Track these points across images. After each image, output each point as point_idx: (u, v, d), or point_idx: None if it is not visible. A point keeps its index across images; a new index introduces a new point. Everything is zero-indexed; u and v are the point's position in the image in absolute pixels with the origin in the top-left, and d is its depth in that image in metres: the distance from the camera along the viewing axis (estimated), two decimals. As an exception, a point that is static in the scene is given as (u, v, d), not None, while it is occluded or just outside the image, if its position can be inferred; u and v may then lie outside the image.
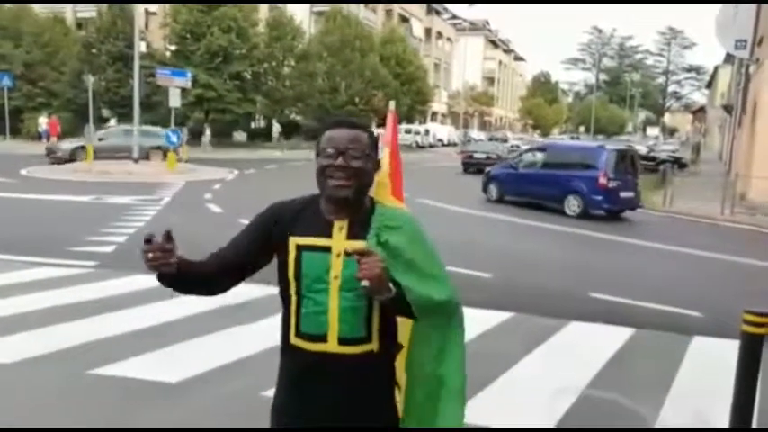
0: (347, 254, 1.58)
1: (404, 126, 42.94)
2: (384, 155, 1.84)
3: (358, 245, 1.58)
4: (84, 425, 3.43)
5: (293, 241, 1.66)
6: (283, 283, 1.70)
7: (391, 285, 1.56)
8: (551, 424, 3.68)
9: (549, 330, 5.42)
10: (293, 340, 1.68)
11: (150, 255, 1.59)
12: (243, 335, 4.76)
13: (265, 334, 4.42)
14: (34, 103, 30.60)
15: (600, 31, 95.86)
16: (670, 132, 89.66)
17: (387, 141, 1.94)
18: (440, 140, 46.92)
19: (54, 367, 4.18)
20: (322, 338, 1.63)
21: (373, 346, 1.66)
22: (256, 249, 1.74)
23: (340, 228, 1.65)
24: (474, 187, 16.92)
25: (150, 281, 6.43)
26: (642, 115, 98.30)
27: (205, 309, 5.29)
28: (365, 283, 1.53)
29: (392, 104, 1.93)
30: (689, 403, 4.09)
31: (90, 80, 26.57)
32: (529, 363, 4.67)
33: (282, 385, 1.75)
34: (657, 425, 3.78)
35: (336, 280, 1.62)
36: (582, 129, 75.52)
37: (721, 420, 3.46)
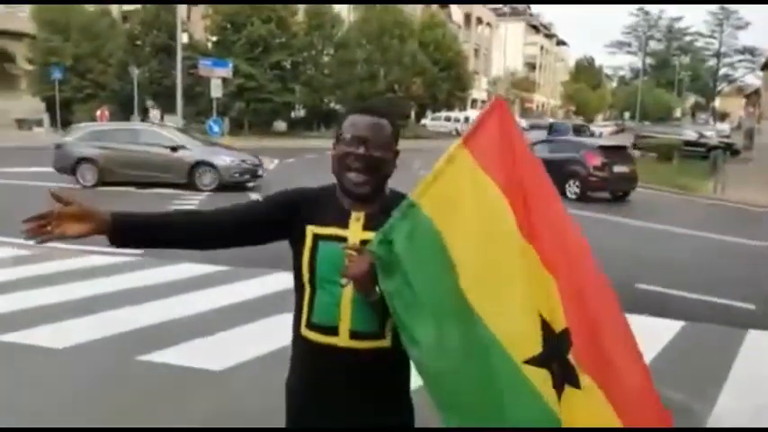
0: (342, 246, 1.54)
1: (443, 113, 42.57)
2: (448, 150, 1.52)
3: (373, 237, 1.52)
4: (128, 411, 3.51)
5: (310, 230, 1.61)
6: (297, 271, 1.65)
7: (377, 289, 1.49)
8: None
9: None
10: (304, 331, 1.64)
11: (26, 227, 1.48)
12: (286, 323, 4.77)
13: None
14: (83, 95, 31.49)
15: (646, 12, 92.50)
16: (721, 117, 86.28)
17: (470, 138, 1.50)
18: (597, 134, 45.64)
19: (102, 353, 4.29)
20: (333, 331, 1.58)
21: (386, 342, 1.58)
22: (268, 223, 1.67)
23: (357, 218, 1.60)
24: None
25: (197, 269, 6.53)
26: (691, 100, 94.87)
27: (250, 297, 5.36)
28: (344, 281, 1.50)
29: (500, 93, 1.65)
30: (745, 399, 3.92)
31: (135, 72, 27.19)
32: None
33: (294, 376, 1.71)
34: (711, 422, 3.64)
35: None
36: (627, 115, 73.44)
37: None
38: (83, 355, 4.26)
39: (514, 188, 1.47)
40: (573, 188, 13.75)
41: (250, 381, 3.92)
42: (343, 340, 1.57)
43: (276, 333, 4.61)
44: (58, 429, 3.27)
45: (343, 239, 1.58)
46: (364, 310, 1.56)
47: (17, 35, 32.29)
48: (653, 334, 5.11)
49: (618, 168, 13.99)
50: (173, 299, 5.47)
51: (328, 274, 1.58)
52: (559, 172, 12.72)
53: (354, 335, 1.57)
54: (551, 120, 50.43)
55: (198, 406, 3.58)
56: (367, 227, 1.58)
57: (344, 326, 1.57)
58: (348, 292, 1.56)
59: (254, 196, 12.16)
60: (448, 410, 1.44)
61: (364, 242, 1.54)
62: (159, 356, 4.22)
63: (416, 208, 1.49)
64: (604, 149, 14.58)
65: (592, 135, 32.03)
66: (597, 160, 13.76)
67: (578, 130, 30.82)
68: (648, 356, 4.73)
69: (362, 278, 1.49)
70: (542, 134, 27.31)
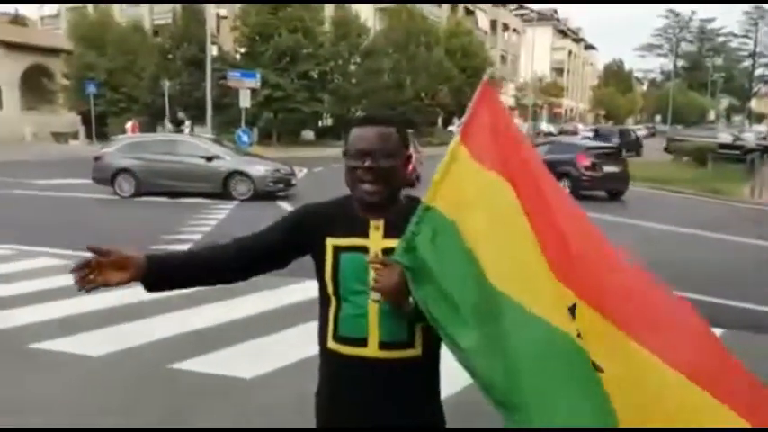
0: (368, 260, 1.53)
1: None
2: (451, 145, 1.52)
3: (395, 245, 1.50)
4: (161, 418, 3.56)
5: (330, 242, 1.60)
6: (321, 284, 1.64)
7: (411, 300, 1.46)
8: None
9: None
10: (330, 344, 1.61)
11: (77, 276, 1.55)
12: (314, 331, 4.78)
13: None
14: (116, 108, 32.31)
15: (677, 14, 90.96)
16: (757, 119, 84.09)
17: (465, 126, 1.50)
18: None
19: (134, 361, 4.37)
20: (361, 342, 1.55)
21: (417, 351, 1.56)
22: (283, 247, 1.68)
23: (376, 227, 1.58)
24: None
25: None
26: (725, 102, 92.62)
27: (279, 305, 5.39)
28: (376, 296, 1.48)
29: (489, 72, 1.71)
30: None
31: (166, 85, 27.78)
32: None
33: (322, 390, 1.69)
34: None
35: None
36: (658, 118, 72.10)
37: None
38: (116, 363, 4.34)
39: (511, 168, 1.47)
40: (565, 187, 14.16)
41: (280, 388, 3.94)
42: (372, 351, 1.55)
43: (305, 341, 4.63)
44: (64, 430, 3.33)
45: (365, 249, 1.56)
46: (393, 320, 1.53)
47: (55, 51, 33.39)
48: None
49: (608, 168, 14.74)
50: (202, 308, 5.54)
51: (353, 285, 1.56)
52: (554, 172, 13.21)
53: (384, 345, 1.54)
54: (579, 125, 49.81)
55: (227, 413, 3.61)
56: (387, 235, 1.56)
57: (373, 337, 1.55)
58: (375, 302, 1.54)
59: (286, 205, 12.28)
60: (513, 411, 1.35)
61: (386, 250, 1.53)
62: (190, 364, 4.27)
63: (432, 210, 1.48)
64: (595, 151, 15.41)
65: (637, 138, 34.25)
66: (587, 161, 14.58)
67: (623, 134, 33.18)
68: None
69: (395, 290, 1.46)
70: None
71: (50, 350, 4.51)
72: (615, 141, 31.60)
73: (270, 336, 4.83)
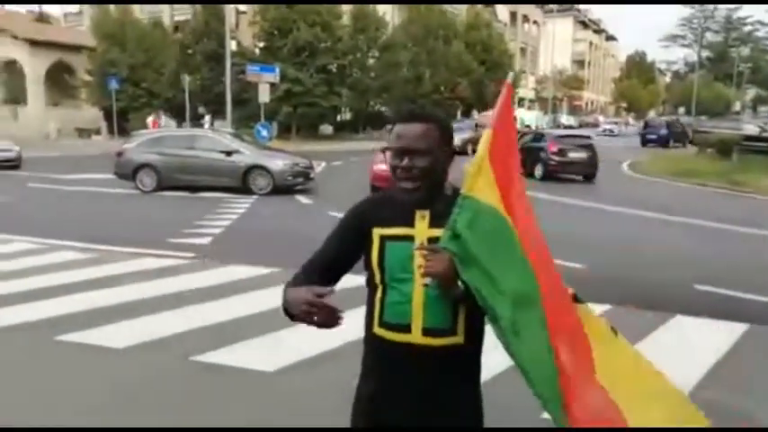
0: (416, 248, 1.58)
1: (489, 113, 42.11)
2: (483, 139, 1.59)
3: (440, 234, 1.56)
4: (183, 411, 3.60)
5: (377, 232, 1.66)
6: (369, 272, 1.70)
7: (459, 283, 1.53)
8: (656, 425, 3.44)
9: (650, 325, 5.10)
10: (376, 330, 1.67)
11: (316, 313, 1.58)
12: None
13: (360, 323, 4.45)
14: (137, 104, 32.66)
15: (702, 3, 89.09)
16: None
17: (491, 122, 1.61)
18: (527, 126, 45.78)
19: (158, 354, 4.42)
20: (406, 329, 1.60)
21: (459, 338, 1.61)
22: (350, 248, 1.74)
23: (422, 216, 1.63)
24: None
25: (247, 271, 6.65)
26: (752, 92, 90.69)
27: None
28: (428, 280, 1.53)
29: (510, 76, 1.75)
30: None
31: (186, 80, 28.01)
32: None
33: (365, 377, 1.74)
34: (779, 431, 3.45)
35: (420, 269, 1.58)
36: (681, 110, 70.83)
37: None
38: (139, 355, 4.40)
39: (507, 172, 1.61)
40: (539, 170, 16.46)
41: (302, 381, 3.96)
42: (415, 337, 1.59)
43: (328, 334, 4.64)
44: (71, 430, 3.38)
45: (410, 238, 1.62)
46: (436, 308, 1.58)
47: (78, 48, 33.82)
48: (714, 337, 4.90)
49: (575, 155, 16.65)
50: (225, 300, 5.59)
51: (398, 273, 1.62)
52: (531, 157, 16.12)
53: (427, 332, 1.59)
54: (600, 117, 49.26)
55: (250, 406, 3.64)
56: (433, 224, 1.61)
57: (417, 323, 1.59)
58: (419, 289, 1.58)
59: (305, 199, 12.33)
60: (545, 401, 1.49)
61: (432, 239, 1.59)
62: (212, 357, 4.31)
63: (470, 199, 1.55)
64: (564, 138, 17.74)
65: (683, 129, 35.06)
66: (555, 147, 16.52)
67: (670, 125, 34.55)
68: (710, 361, 4.57)
69: (445, 274, 1.52)
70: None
71: (77, 342, 4.58)
72: (663, 132, 33.65)
73: (291, 329, 4.85)
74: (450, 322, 1.60)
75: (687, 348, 4.67)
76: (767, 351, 4.75)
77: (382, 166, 12.09)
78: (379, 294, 1.66)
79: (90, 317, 5.09)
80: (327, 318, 1.57)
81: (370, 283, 1.70)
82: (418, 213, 1.63)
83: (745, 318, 5.34)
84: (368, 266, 1.69)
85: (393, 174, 1.65)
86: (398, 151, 1.62)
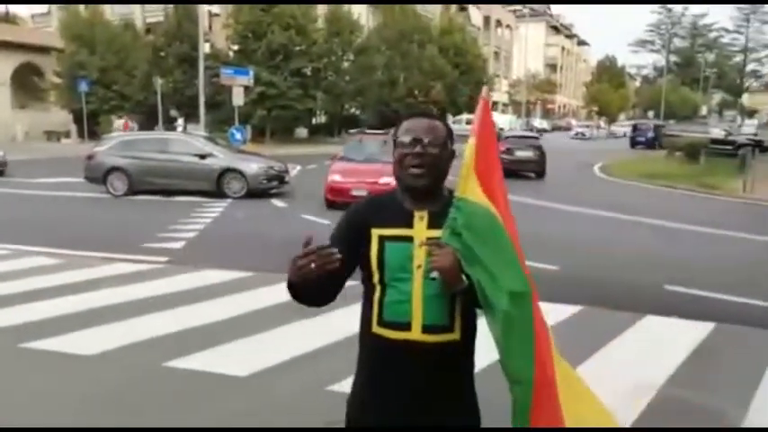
0: (421, 244, 1.63)
1: (464, 116, 42.44)
2: (468, 146, 1.68)
3: (438, 235, 1.62)
4: (157, 416, 3.55)
5: (375, 233, 1.69)
6: (366, 272, 1.72)
7: (464, 277, 1.58)
8: (626, 424, 3.51)
9: (621, 325, 5.20)
10: (375, 329, 1.69)
11: (312, 259, 1.51)
12: (311, 328, 4.78)
13: (333, 327, 4.45)
14: (108, 106, 32.09)
15: (670, 9, 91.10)
16: (749, 114, 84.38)
17: (474, 131, 1.70)
18: (501, 129, 46.24)
19: (131, 360, 4.35)
20: (405, 327, 1.64)
21: (456, 335, 1.66)
22: (354, 248, 1.71)
23: (421, 217, 1.68)
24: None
25: (221, 275, 6.59)
26: (717, 97, 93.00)
27: (274, 302, 5.38)
28: (435, 274, 1.59)
29: (485, 90, 1.84)
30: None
31: (158, 82, 27.63)
32: (600, 360, 4.48)
33: (362, 376, 1.76)
34: (745, 425, 3.54)
35: (420, 269, 1.64)
36: (651, 114, 72.30)
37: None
38: (111, 361, 4.32)
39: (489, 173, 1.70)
40: None
41: (276, 386, 3.93)
42: (415, 335, 1.63)
43: (300, 339, 4.64)
44: (65, 429, 3.32)
45: (409, 239, 1.66)
46: (435, 305, 1.63)
47: (46, 49, 33.11)
48: (683, 336, 5.01)
49: (520, 153, 18.28)
50: (196, 306, 5.53)
51: (397, 273, 1.65)
52: None
53: (426, 329, 1.63)
54: (572, 120, 50.20)
55: (223, 411, 3.60)
56: (431, 225, 1.66)
57: (417, 321, 1.63)
58: (418, 288, 1.63)
59: (279, 203, 12.25)
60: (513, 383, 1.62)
61: (430, 239, 1.63)
62: (185, 362, 4.26)
63: (465, 201, 1.64)
64: (513, 139, 19.57)
65: (653, 129, 37.75)
66: (504, 147, 17.76)
67: (657, 129, 37.03)
68: (679, 359, 4.66)
69: (452, 269, 1.57)
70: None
71: (45, 350, 4.48)
72: (650, 135, 35.93)
73: (264, 333, 4.82)
74: (448, 319, 1.64)
75: (657, 348, 4.77)
76: (734, 349, 4.88)
77: (337, 177, 11.14)
78: (377, 294, 1.69)
79: (58, 324, 4.98)
80: (324, 259, 1.51)
81: (368, 283, 1.72)
82: (417, 214, 1.68)
83: (713, 317, 5.47)
84: (365, 266, 1.71)
85: (401, 164, 1.68)
86: (411, 140, 1.67)
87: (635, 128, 39.65)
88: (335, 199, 10.77)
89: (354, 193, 10.27)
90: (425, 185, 1.68)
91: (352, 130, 28.91)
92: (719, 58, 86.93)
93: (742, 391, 3.97)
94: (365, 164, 11.82)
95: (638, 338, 4.97)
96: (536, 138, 20.74)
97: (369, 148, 13.05)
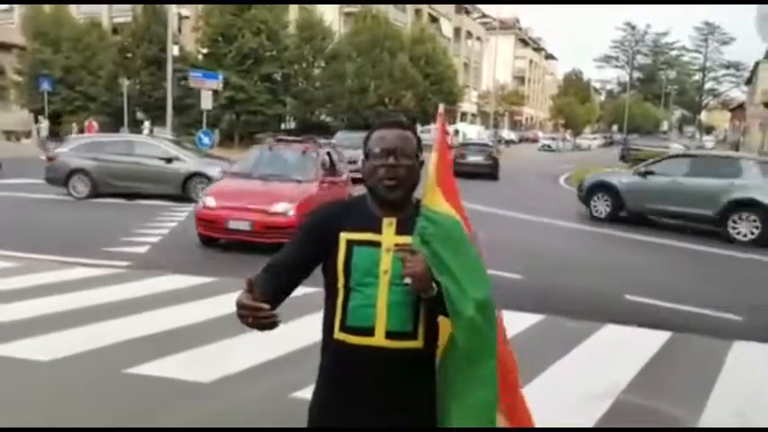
0: (395, 250, 1.65)
1: (433, 126, 42.78)
2: (431, 159, 1.74)
3: (408, 241, 1.64)
4: (116, 424, 3.48)
5: (344, 236, 1.69)
6: (331, 276, 1.71)
7: (434, 284, 1.59)
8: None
9: (583, 333, 5.31)
10: (337, 335, 1.68)
11: (250, 319, 1.57)
12: (274, 335, 4.73)
13: (296, 334, 4.42)
14: (72, 107, 31.36)
15: (633, 27, 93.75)
16: (707, 130, 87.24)
17: (434, 146, 1.77)
18: (470, 139, 46.78)
19: (89, 366, 4.25)
20: (369, 332, 1.64)
21: (419, 343, 1.66)
22: (313, 252, 1.74)
23: (389, 224, 1.69)
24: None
25: (185, 280, 6.48)
26: (678, 113, 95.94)
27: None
28: (408, 280, 1.60)
29: (441, 107, 1.90)
30: (731, 409, 3.94)
31: (125, 84, 27.11)
32: (562, 367, 4.57)
33: (323, 383, 1.75)
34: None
35: (386, 274, 1.64)
36: (615, 128, 74.10)
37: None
38: (68, 368, 4.21)
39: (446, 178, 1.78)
40: None
41: (238, 392, 3.90)
42: (378, 340, 1.63)
43: (265, 345, 4.60)
44: (58, 429, 3.23)
45: (377, 244, 1.67)
46: (399, 311, 1.64)
47: (6, 47, 32.20)
48: (640, 344, 5.14)
49: (472, 158, 20.87)
50: (159, 311, 5.44)
51: (363, 277, 1.65)
52: None
53: (389, 335, 1.63)
54: (539, 132, 51.64)
55: (184, 418, 3.55)
56: (399, 231, 1.68)
57: (380, 326, 1.64)
58: (383, 293, 1.64)
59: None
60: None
61: (398, 245, 1.65)
62: (146, 369, 4.18)
63: (430, 209, 1.68)
64: (468, 146, 22.55)
65: (626, 142, 40.60)
66: (457, 152, 20.55)
67: (626, 142, 40.90)
68: (637, 367, 4.78)
69: (423, 276, 1.58)
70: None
71: (-2, 355, 4.35)
72: (620, 147, 39.31)
73: (226, 339, 4.77)
74: (412, 327, 1.65)
75: (616, 355, 4.89)
76: (689, 357, 5.03)
77: (210, 202, 8.12)
78: (340, 299, 1.68)
79: (12, 329, 4.84)
80: (261, 321, 1.56)
81: (332, 287, 1.71)
82: (385, 220, 1.69)
83: (669, 326, 5.63)
84: (329, 270, 1.70)
85: (373, 175, 1.69)
86: (384, 151, 1.68)
87: (625, 141, 42.85)
88: (206, 233, 8.17)
89: (231, 226, 7.88)
90: (399, 197, 1.70)
91: (260, 135, 27.90)
92: (680, 75, 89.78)
93: (695, 396, 4.10)
94: (263, 182, 8.66)
95: (598, 346, 5.08)
96: (487, 145, 23.86)
97: (278, 160, 9.52)
